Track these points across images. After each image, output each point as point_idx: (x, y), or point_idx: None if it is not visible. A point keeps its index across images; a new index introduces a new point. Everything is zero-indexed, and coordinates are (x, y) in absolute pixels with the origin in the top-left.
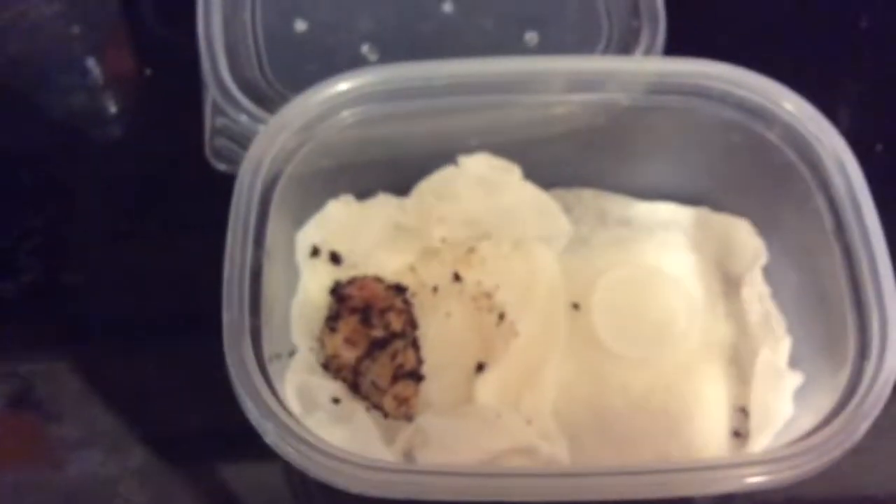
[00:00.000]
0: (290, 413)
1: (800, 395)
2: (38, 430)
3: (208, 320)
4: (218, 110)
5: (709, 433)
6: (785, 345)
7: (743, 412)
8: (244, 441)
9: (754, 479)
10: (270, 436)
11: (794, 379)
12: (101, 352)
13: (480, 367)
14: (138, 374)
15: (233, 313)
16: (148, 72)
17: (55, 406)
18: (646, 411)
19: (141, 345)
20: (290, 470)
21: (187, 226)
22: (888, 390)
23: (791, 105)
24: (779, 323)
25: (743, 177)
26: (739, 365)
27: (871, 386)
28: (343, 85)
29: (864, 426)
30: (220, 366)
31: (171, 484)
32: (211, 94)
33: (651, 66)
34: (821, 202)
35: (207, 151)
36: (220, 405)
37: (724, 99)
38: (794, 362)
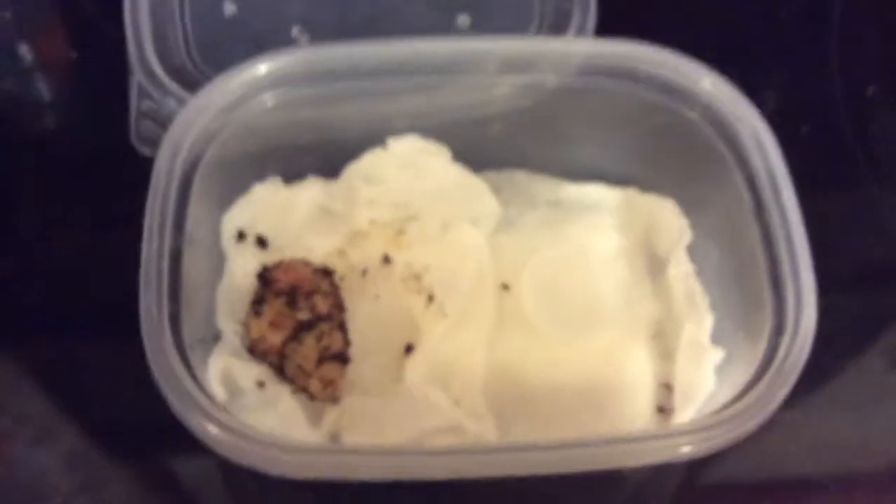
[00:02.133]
0: (211, 398)
1: (721, 369)
2: None
3: (137, 308)
4: (144, 94)
5: (634, 410)
6: (708, 321)
7: (667, 388)
8: (175, 429)
9: (676, 450)
10: (191, 423)
11: (716, 354)
12: (31, 340)
13: (409, 349)
14: (68, 363)
15: (150, 297)
16: (74, 55)
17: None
18: (573, 390)
19: (71, 333)
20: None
21: (115, 212)
22: (802, 362)
23: (711, 85)
24: (702, 300)
25: (668, 157)
26: (664, 341)
27: (786, 357)
28: (265, 66)
29: (780, 396)
30: None
31: (101, 471)
32: (136, 78)
33: (578, 47)
34: (740, 181)
35: (133, 136)
36: (149, 393)
37: (648, 80)
38: (715, 338)
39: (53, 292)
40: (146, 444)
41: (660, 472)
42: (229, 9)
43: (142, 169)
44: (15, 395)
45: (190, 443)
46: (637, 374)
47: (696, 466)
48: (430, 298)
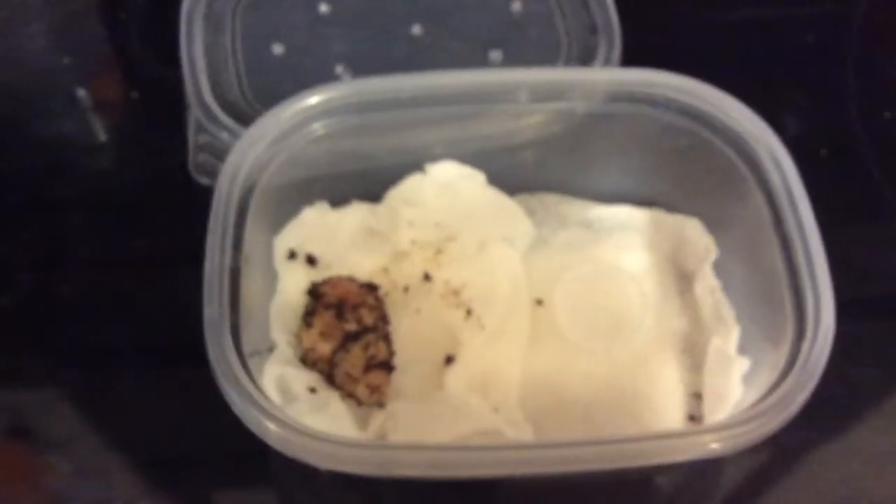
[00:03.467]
0: (269, 400)
1: (747, 377)
2: (29, 459)
3: (198, 336)
4: (201, 128)
5: (666, 418)
6: (735, 333)
7: (697, 397)
8: (238, 463)
9: (703, 448)
10: (252, 421)
11: (743, 364)
12: (88, 368)
13: (449, 360)
14: (125, 391)
15: (213, 309)
16: (134, 95)
17: (43, 427)
18: (606, 399)
19: (130, 367)
20: (277, 487)
21: (175, 241)
22: (822, 365)
23: (731, 109)
24: (729, 313)
25: (691, 178)
26: (693, 353)
27: (806, 362)
28: (313, 98)
29: (802, 397)
30: (211, 388)
31: (162, 501)
32: (194, 114)
33: (604, 75)
34: (760, 198)
35: (191, 167)
36: (213, 428)
37: (669, 105)
38: (742, 348)
39: (111, 321)
40: (210, 481)
41: (690, 479)
42: (278, 49)
43: (198, 197)
44: (62, 426)
45: (248, 474)
46: (667, 384)
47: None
48: (469, 313)
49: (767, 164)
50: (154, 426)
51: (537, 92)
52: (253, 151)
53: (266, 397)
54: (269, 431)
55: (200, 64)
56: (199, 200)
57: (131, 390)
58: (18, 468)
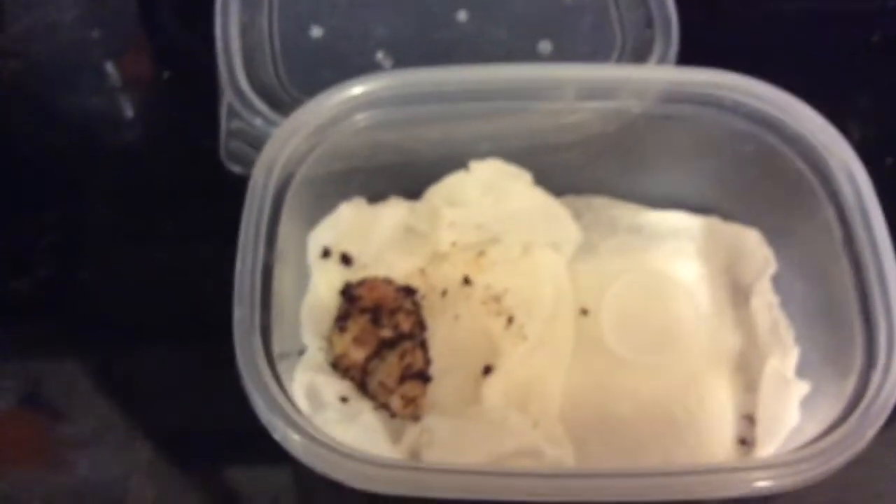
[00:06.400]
0: (297, 409)
1: (806, 403)
2: (47, 428)
3: (220, 321)
4: (233, 113)
5: (715, 440)
6: (793, 354)
7: (749, 420)
8: (252, 440)
9: (758, 484)
10: (277, 431)
11: (801, 388)
12: (113, 351)
13: (488, 370)
14: (148, 374)
15: (244, 309)
16: (166, 75)
17: (64, 404)
18: (652, 417)
19: (152, 345)
20: (296, 468)
21: (201, 227)
22: (894, 399)
23: (801, 116)
24: (787, 332)
25: (753, 186)
26: (747, 373)
27: (877, 394)
28: (356, 89)
29: (870, 433)
30: (230, 366)
31: (180, 481)
32: (227, 98)
33: (662, 74)
34: (830, 213)
35: (222, 153)
36: (229, 405)
37: (734, 109)
38: (801, 371)
39: (134, 304)
40: (224, 456)
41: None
42: (316, 32)
43: (227, 184)
44: (91, 405)
45: (266, 456)
46: (718, 404)
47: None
48: (510, 321)
49: (840, 177)
50: (171, 402)
51: (589, 89)
52: (291, 142)
53: (294, 406)
54: (296, 444)
55: (235, 45)
56: (227, 184)
57: (153, 370)
58: (38, 438)
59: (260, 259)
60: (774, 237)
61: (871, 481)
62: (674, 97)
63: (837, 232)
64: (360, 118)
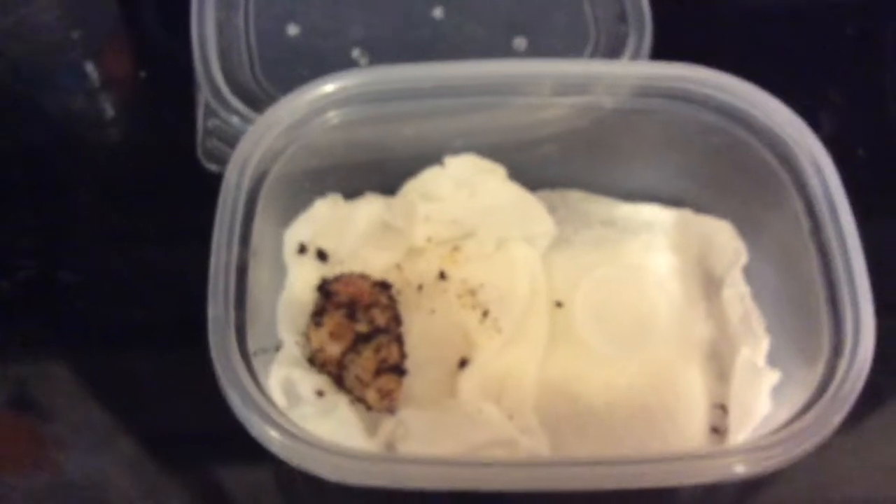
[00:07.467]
0: (272, 404)
1: (777, 391)
2: (31, 428)
3: (200, 319)
4: (210, 112)
5: (688, 429)
6: (764, 344)
7: (721, 409)
8: (235, 437)
9: (729, 469)
10: (254, 427)
11: (772, 377)
12: (94, 350)
13: (463, 363)
14: (131, 373)
15: (218, 308)
16: (143, 74)
17: (48, 404)
18: (626, 408)
19: (132, 344)
20: (277, 463)
21: (180, 226)
22: (860, 385)
23: (770, 109)
24: (758, 322)
25: (724, 179)
26: (719, 363)
27: (843, 381)
28: (330, 86)
29: (837, 419)
30: (212, 364)
31: (164, 479)
32: (203, 96)
33: (634, 69)
34: (798, 204)
35: (199, 152)
36: (212, 402)
37: (705, 103)
38: (772, 360)
39: (114, 303)
40: (207, 454)
41: (712, 494)
42: (293, 30)
43: (204, 178)
44: (73, 404)
45: (247, 453)
46: (691, 394)
47: (749, 488)
48: (485, 314)
49: (808, 169)
50: (154, 401)
51: (562, 85)
52: (265, 140)
53: (270, 401)
54: (272, 439)
55: (211, 43)
56: (205, 182)
57: (134, 368)
58: (22, 438)
59: (234, 257)
60: (745, 228)
61: (840, 466)
62: (646, 92)
63: (806, 223)
64: (334, 115)
